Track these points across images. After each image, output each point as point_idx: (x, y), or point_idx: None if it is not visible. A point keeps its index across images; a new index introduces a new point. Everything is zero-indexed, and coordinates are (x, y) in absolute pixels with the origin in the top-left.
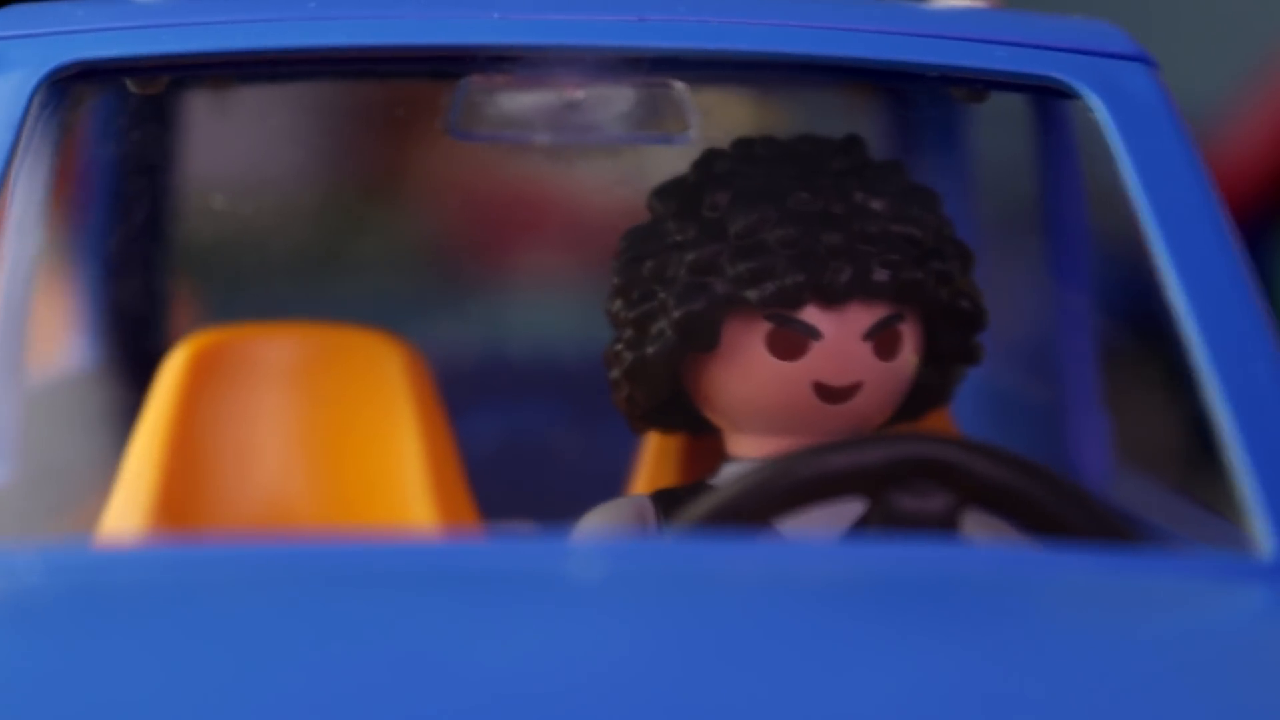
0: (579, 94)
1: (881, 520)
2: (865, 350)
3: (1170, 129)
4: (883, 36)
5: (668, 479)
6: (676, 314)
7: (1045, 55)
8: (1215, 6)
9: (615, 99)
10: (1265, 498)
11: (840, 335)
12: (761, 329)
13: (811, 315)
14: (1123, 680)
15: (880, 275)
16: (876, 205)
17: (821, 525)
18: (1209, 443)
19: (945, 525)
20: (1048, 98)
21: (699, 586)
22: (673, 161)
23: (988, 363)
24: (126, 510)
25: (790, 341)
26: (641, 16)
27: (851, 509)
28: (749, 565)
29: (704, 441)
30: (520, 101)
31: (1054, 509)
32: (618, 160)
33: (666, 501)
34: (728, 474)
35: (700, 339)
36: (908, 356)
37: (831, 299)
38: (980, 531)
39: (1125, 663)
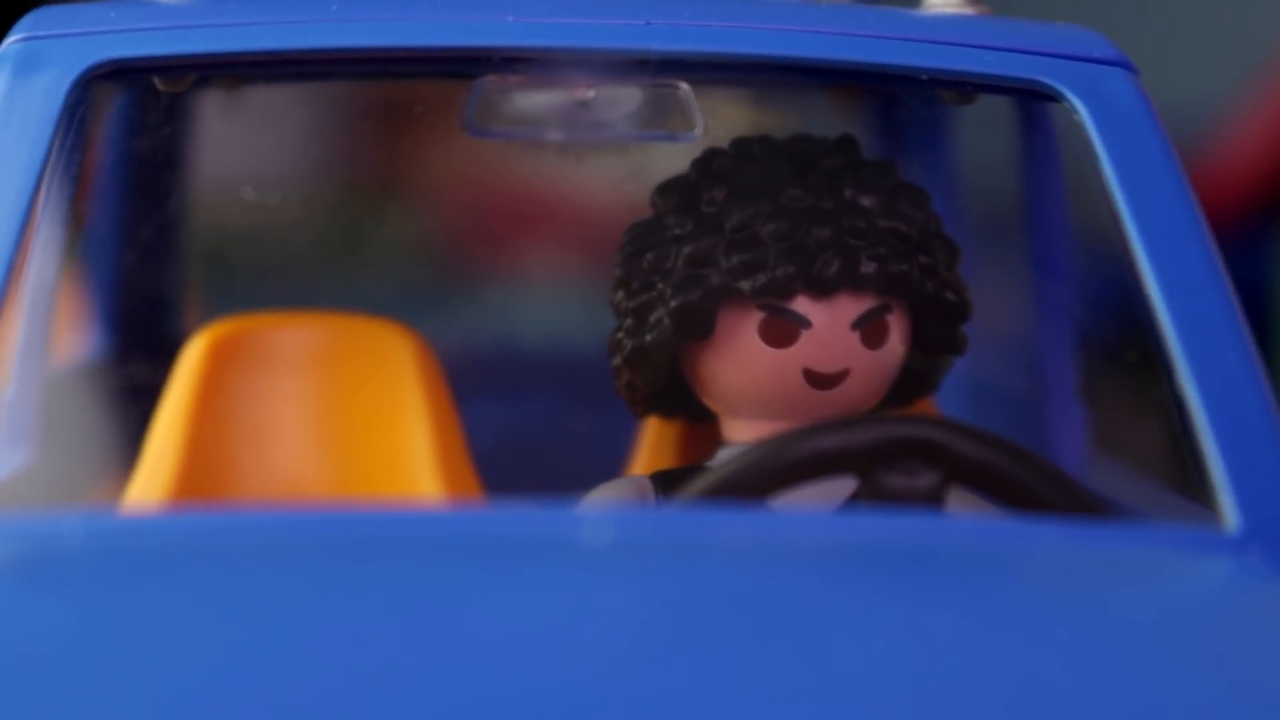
0: (589, 94)
1: (871, 498)
2: (853, 339)
3: (1149, 132)
4: (876, 41)
5: (665, 464)
6: (674, 303)
7: (1030, 60)
8: (1214, 9)
9: (624, 99)
10: (1230, 474)
11: (829, 324)
12: (754, 318)
13: (802, 305)
14: (1097, 645)
15: (868, 268)
16: (866, 201)
17: (814, 502)
18: (1183, 429)
19: (932, 502)
20: (1031, 101)
21: (697, 555)
22: (672, 161)
23: (971, 354)
24: (149, 489)
25: (781, 330)
26: (648, 21)
27: (843, 487)
28: (744, 536)
29: (700, 428)
30: (533, 100)
31: (1034, 486)
32: (620, 158)
33: (665, 481)
34: (723, 457)
35: (696, 328)
36: (894, 346)
37: (821, 290)
38: (964, 507)
39: (1099, 629)
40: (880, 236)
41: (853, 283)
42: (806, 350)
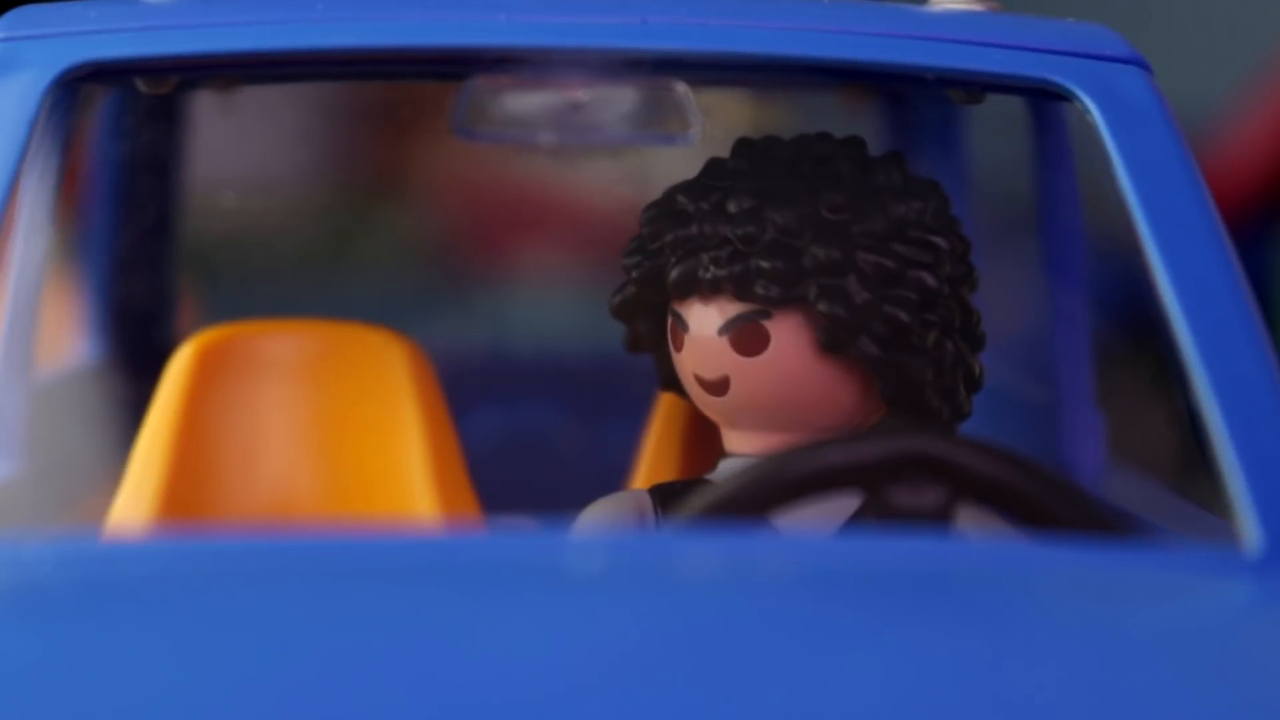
0: (583, 95)
1: (877, 515)
2: (722, 344)
3: (1163, 131)
4: (881, 39)
5: (667, 475)
6: (615, 299)
7: (1041, 58)
8: (1215, 9)
9: (618, 100)
10: (1252, 493)
11: (699, 328)
12: (670, 321)
13: (686, 307)
14: (1112, 671)
15: (746, 274)
16: (732, 207)
17: (819, 520)
18: (1201, 440)
19: (940, 519)
20: (1043, 100)
21: (697, 580)
22: (673, 163)
23: (984, 360)
24: (134, 503)
25: (676, 334)
26: (644, 19)
27: (848, 504)
28: (746, 559)
29: (703, 439)
30: (525, 102)
31: (1047, 503)
32: (620, 160)
33: (665, 496)
34: (724, 469)
35: (627, 323)
36: (781, 354)
37: (700, 293)
38: (973, 525)
39: (1115, 654)
40: (778, 242)
41: (732, 288)
42: (690, 355)
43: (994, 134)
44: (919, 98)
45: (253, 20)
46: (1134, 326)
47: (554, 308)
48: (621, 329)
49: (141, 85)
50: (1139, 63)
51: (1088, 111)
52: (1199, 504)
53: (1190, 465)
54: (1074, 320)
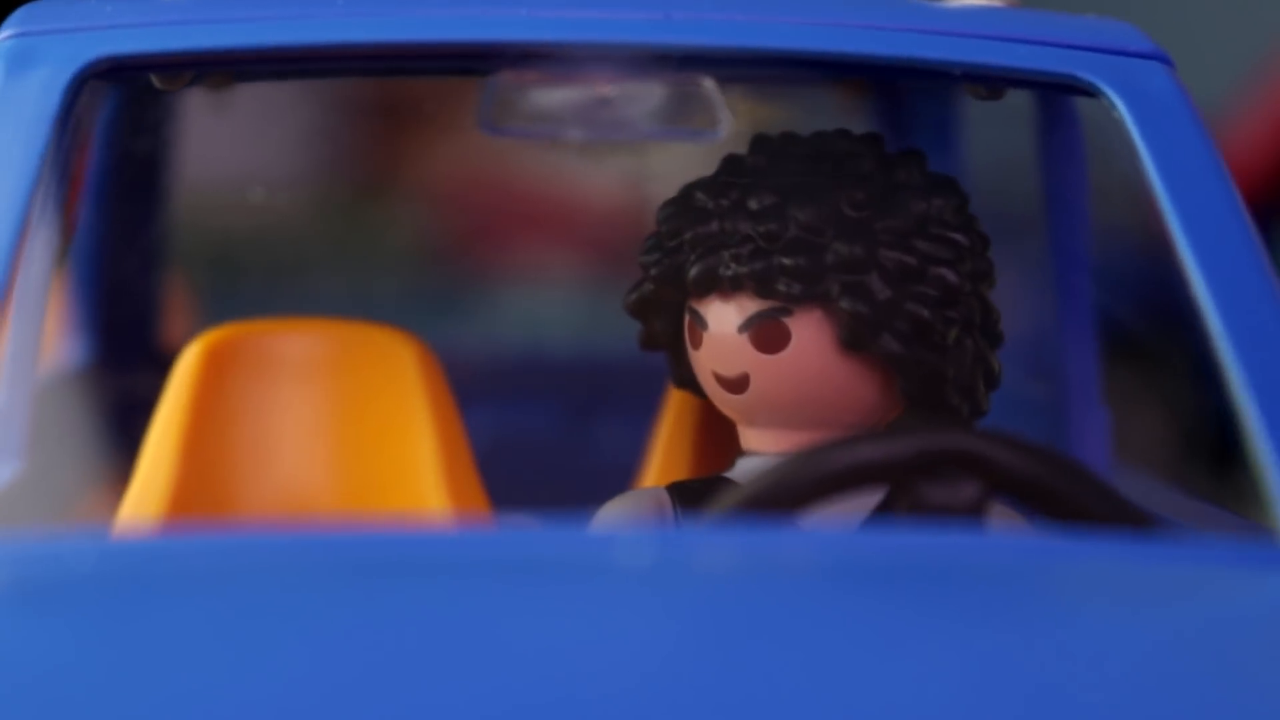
0: (609, 90)
1: (909, 510)
2: (742, 342)
3: (1190, 126)
4: (906, 34)
5: (679, 473)
6: (631, 297)
7: (1066, 54)
8: (1214, 9)
9: (644, 95)
10: None
11: (719, 326)
12: (687, 319)
13: (705, 305)
14: (1147, 665)
15: (766, 271)
16: (753, 204)
17: (842, 514)
18: (1211, 435)
19: (972, 515)
20: (1054, 95)
21: (721, 574)
22: (670, 163)
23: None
24: (144, 502)
25: (694, 331)
26: (667, 14)
27: (870, 498)
28: (770, 553)
29: (715, 437)
30: (550, 97)
31: (1081, 499)
32: (635, 158)
33: (683, 494)
34: (745, 468)
35: (642, 321)
36: (802, 351)
37: (721, 290)
38: (1002, 520)
39: (1150, 648)
40: (800, 239)
41: (754, 285)
42: (709, 353)
43: (998, 130)
44: (915, 93)
45: (272, 15)
46: (1144, 323)
47: (550, 307)
48: (620, 327)
49: (157, 81)
50: (1162, 58)
51: (1113, 107)
52: (1203, 499)
53: (1198, 462)
54: (1081, 317)
